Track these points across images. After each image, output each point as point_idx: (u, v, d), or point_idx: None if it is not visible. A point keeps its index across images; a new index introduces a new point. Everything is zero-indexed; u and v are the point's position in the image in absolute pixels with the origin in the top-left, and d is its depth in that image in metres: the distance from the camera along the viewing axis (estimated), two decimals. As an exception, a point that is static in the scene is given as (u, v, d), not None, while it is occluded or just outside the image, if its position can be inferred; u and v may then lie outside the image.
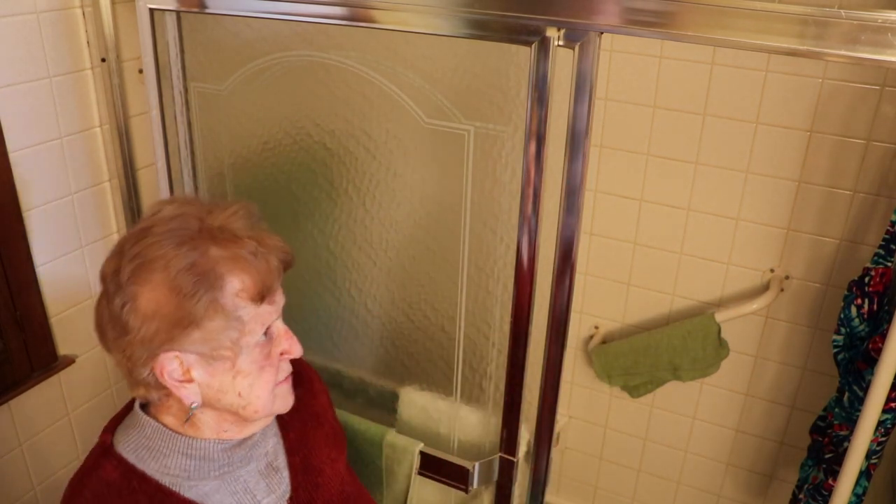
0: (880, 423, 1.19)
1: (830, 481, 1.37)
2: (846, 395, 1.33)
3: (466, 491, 1.28)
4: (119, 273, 0.79)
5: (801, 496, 1.53)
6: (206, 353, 0.81)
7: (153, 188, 1.53)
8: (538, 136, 0.99)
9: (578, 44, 0.94)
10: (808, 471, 1.55)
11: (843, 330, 1.37)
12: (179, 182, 1.40)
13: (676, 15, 0.86)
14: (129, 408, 0.93)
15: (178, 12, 1.27)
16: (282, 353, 0.89)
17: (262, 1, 1.14)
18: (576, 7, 0.92)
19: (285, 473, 0.98)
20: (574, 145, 0.99)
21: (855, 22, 0.78)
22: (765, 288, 1.70)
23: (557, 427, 1.23)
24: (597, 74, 0.95)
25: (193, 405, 0.84)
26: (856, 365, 1.31)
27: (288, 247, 0.89)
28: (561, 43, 0.94)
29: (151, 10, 1.25)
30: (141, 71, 1.43)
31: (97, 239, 1.55)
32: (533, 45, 0.95)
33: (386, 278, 1.33)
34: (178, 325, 0.78)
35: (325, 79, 1.23)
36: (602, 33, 0.92)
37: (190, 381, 0.83)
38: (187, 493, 0.88)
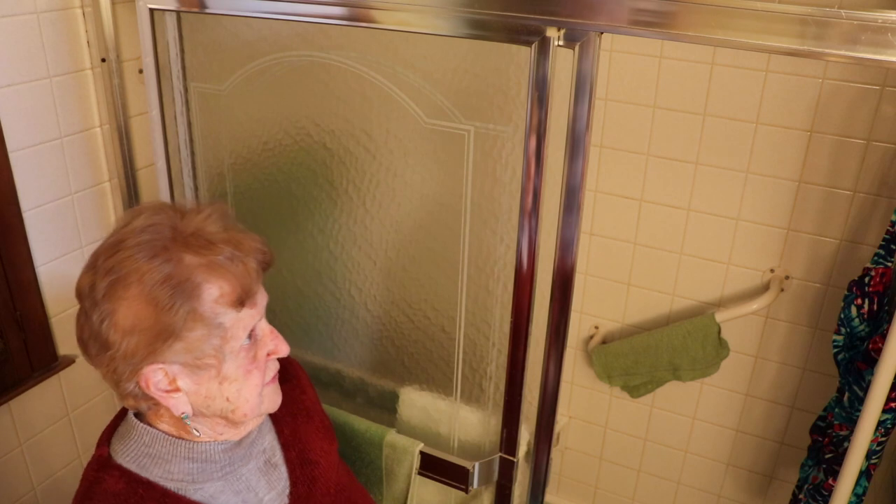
0: (880, 423, 1.19)
1: (830, 481, 1.37)
2: (846, 395, 1.33)
3: (466, 491, 1.28)
4: (94, 289, 0.78)
5: (801, 496, 1.53)
6: (190, 362, 0.80)
7: (153, 188, 1.53)
8: (538, 136, 0.99)
9: (578, 44, 0.94)
10: (808, 471, 1.55)
11: (843, 330, 1.37)
12: (179, 182, 1.40)
13: (676, 15, 0.86)
14: (120, 418, 0.92)
15: (178, 12, 1.27)
16: (268, 354, 0.88)
17: (262, 1, 1.14)
18: (576, 7, 0.92)
19: (283, 469, 0.98)
20: (574, 145, 0.99)
21: (855, 22, 0.78)
22: (765, 288, 1.70)
23: (557, 427, 1.23)
24: (597, 74, 0.95)
25: (184, 415, 0.83)
26: (856, 365, 1.31)
27: (266, 247, 0.87)
28: (561, 43, 0.94)
29: (151, 10, 1.25)
30: (141, 71, 1.44)
31: (97, 239, 1.55)
32: (533, 45, 0.95)
33: (386, 278, 1.33)
34: (159, 338, 0.77)
35: (325, 79, 1.23)
36: (602, 33, 0.92)
37: (177, 390, 0.82)
38: (194, 496, 0.88)
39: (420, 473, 1.30)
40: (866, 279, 1.32)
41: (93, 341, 0.79)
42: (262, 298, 0.87)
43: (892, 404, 1.17)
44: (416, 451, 1.28)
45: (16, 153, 1.34)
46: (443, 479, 1.29)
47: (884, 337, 1.11)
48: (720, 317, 1.72)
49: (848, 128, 1.52)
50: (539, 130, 0.99)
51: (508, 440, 1.23)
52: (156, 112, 1.34)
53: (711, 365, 1.78)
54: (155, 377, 0.80)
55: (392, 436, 1.30)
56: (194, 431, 0.86)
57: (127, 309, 0.77)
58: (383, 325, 1.37)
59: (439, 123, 1.15)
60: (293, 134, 1.30)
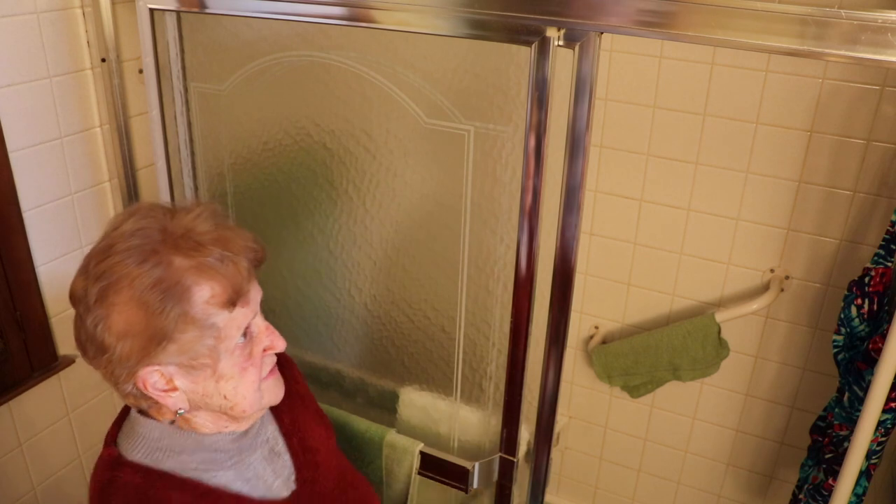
0: (880, 423, 1.19)
1: (830, 481, 1.37)
2: (846, 395, 1.33)
3: (466, 491, 1.28)
4: (87, 294, 0.79)
5: (801, 496, 1.53)
6: (186, 363, 0.81)
7: (153, 188, 1.53)
8: (538, 136, 0.99)
9: (578, 44, 0.94)
10: (808, 471, 1.55)
11: (843, 330, 1.37)
12: (179, 182, 1.40)
13: (676, 15, 0.86)
14: (123, 417, 0.92)
15: (178, 12, 1.27)
16: (265, 350, 0.88)
17: (262, 1, 1.14)
18: (576, 7, 0.92)
19: (286, 457, 0.99)
20: (574, 145, 0.99)
21: (855, 22, 0.78)
22: (765, 288, 1.70)
23: (557, 427, 1.22)
24: (597, 74, 0.95)
25: (180, 411, 0.84)
26: (856, 365, 1.31)
27: (257, 244, 0.87)
28: (561, 43, 0.94)
29: (151, 10, 1.25)
30: (141, 71, 1.43)
31: (97, 239, 1.55)
32: (533, 45, 0.95)
33: (386, 278, 1.33)
34: (152, 342, 0.78)
35: (325, 79, 1.23)
36: (602, 33, 0.92)
37: (174, 389, 0.83)
38: (210, 483, 0.89)
39: (420, 473, 1.30)
40: (866, 279, 1.32)
41: (89, 344, 0.80)
42: (255, 295, 0.87)
43: (892, 404, 1.17)
44: (416, 451, 1.28)
45: (16, 153, 1.34)
46: (443, 479, 1.29)
47: (884, 337, 1.11)
48: (720, 317, 1.72)
49: (848, 128, 1.52)
50: (539, 130, 0.99)
51: (508, 440, 1.23)
52: (156, 112, 1.34)
53: (711, 365, 1.78)
54: (151, 378, 0.81)
55: (392, 436, 1.30)
56: (196, 418, 0.87)
57: (118, 314, 0.77)
58: (383, 325, 1.37)
59: (439, 123, 1.15)
60: (293, 134, 1.30)
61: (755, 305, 1.68)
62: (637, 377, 1.88)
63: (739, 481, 1.94)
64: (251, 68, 1.27)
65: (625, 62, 1.67)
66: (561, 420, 2.09)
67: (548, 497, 1.28)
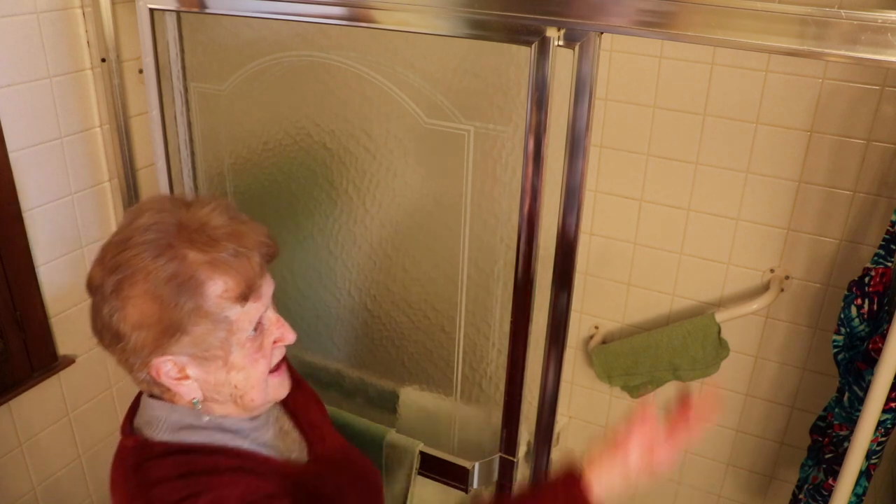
0: (880, 423, 1.19)
1: (830, 481, 1.37)
2: (846, 395, 1.33)
3: (466, 491, 1.28)
4: (103, 285, 0.81)
5: (801, 496, 1.53)
6: (198, 354, 0.83)
7: (153, 188, 1.53)
8: (538, 136, 0.99)
9: (578, 44, 0.94)
10: (808, 471, 1.55)
11: (843, 330, 1.37)
12: (179, 182, 1.40)
13: (676, 15, 0.86)
14: (135, 410, 0.93)
15: (178, 12, 1.27)
16: (275, 342, 0.90)
17: (262, 1, 1.14)
18: (576, 7, 0.92)
19: (296, 434, 1.02)
20: (574, 145, 0.99)
21: (855, 22, 0.78)
22: (765, 288, 1.70)
23: (557, 427, 1.22)
24: (597, 74, 0.95)
25: (195, 400, 0.86)
26: (856, 365, 1.31)
27: (270, 239, 0.88)
28: (561, 43, 0.94)
29: (151, 10, 1.25)
30: (141, 71, 1.43)
31: (97, 239, 1.55)
32: (533, 45, 0.95)
33: (386, 278, 1.33)
34: (166, 334, 0.80)
35: (325, 79, 1.23)
36: (602, 33, 0.92)
37: (186, 378, 0.85)
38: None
39: (420, 473, 1.30)
40: (866, 279, 1.32)
41: (105, 332, 0.83)
42: (267, 289, 0.88)
43: (892, 404, 1.17)
44: (416, 451, 1.28)
45: (16, 153, 1.34)
46: (443, 479, 1.29)
47: (884, 337, 1.11)
48: (720, 317, 1.72)
49: (848, 128, 1.52)
50: (539, 130, 0.99)
51: (508, 440, 1.22)
52: (156, 112, 1.34)
53: (711, 365, 1.78)
54: (165, 367, 0.83)
55: (392, 436, 1.30)
56: (209, 404, 0.89)
57: (133, 307, 0.79)
58: (383, 325, 1.37)
59: (439, 123, 1.15)
60: (293, 134, 1.30)
61: (755, 305, 1.68)
62: (637, 377, 1.88)
63: (739, 481, 1.94)
64: (251, 68, 1.27)
65: (625, 62, 1.67)
66: (561, 420, 2.09)
67: (548, 497, 1.27)
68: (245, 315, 0.84)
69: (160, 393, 0.88)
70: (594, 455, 0.86)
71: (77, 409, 1.60)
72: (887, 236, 1.31)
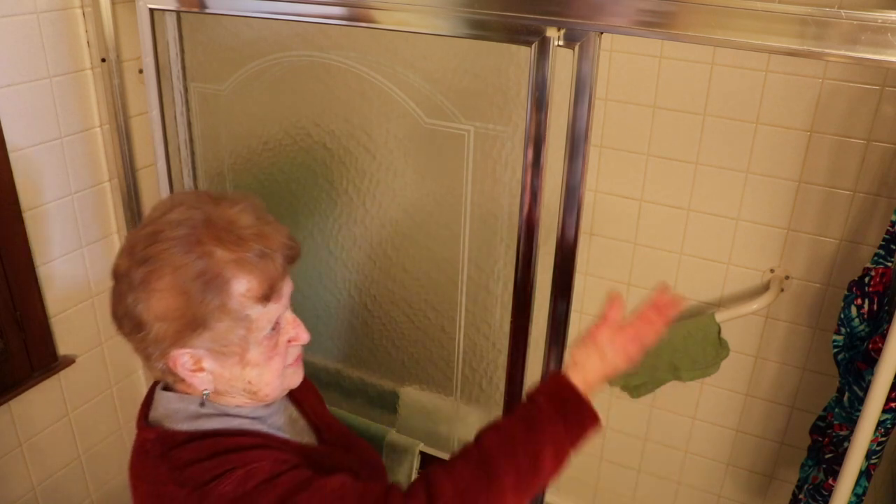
0: (880, 423, 1.19)
1: (830, 481, 1.37)
2: (846, 395, 1.33)
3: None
4: (130, 274, 0.83)
5: (801, 496, 1.53)
6: (216, 349, 0.85)
7: (153, 188, 1.53)
8: (538, 136, 0.99)
9: (578, 44, 0.94)
10: (808, 471, 1.55)
11: (843, 330, 1.37)
12: (179, 182, 1.40)
13: (676, 15, 0.86)
14: (148, 406, 0.94)
15: (178, 12, 1.27)
16: (289, 341, 0.92)
17: (262, 1, 1.14)
18: (576, 7, 0.92)
19: (302, 421, 1.05)
20: (574, 145, 0.99)
21: (855, 22, 0.78)
22: (765, 288, 1.70)
23: (557, 427, 1.22)
24: (597, 74, 0.95)
25: (206, 391, 0.88)
26: (856, 365, 1.31)
27: (293, 241, 0.91)
28: (561, 43, 0.94)
29: (151, 10, 1.25)
30: (141, 71, 1.43)
31: (97, 239, 1.55)
32: (533, 45, 0.95)
33: (386, 278, 1.33)
34: (188, 328, 0.82)
35: (325, 79, 1.23)
36: (602, 33, 0.92)
37: (201, 370, 0.87)
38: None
39: (420, 473, 1.30)
40: (866, 279, 1.32)
41: (127, 320, 0.84)
42: (287, 290, 0.91)
43: (892, 404, 1.17)
44: (416, 451, 1.28)
45: (16, 153, 1.34)
46: (443, 479, 1.29)
47: (884, 337, 1.11)
48: (720, 317, 1.72)
49: (848, 128, 1.52)
50: (539, 130, 0.99)
51: (508, 440, 1.22)
52: (156, 112, 1.34)
53: (711, 365, 1.78)
54: (182, 359, 0.85)
55: (392, 436, 1.30)
56: (222, 395, 0.90)
57: (159, 299, 0.81)
58: (383, 325, 1.37)
59: (439, 123, 1.15)
60: (293, 134, 1.30)
61: (755, 305, 1.68)
62: (637, 377, 1.88)
63: (739, 481, 1.94)
64: (251, 68, 1.27)
65: (625, 62, 1.67)
66: (561, 420, 2.09)
67: (548, 497, 1.28)
68: (265, 315, 0.86)
69: (173, 382, 0.90)
70: (572, 356, 0.92)
71: (77, 409, 1.60)
72: (887, 236, 1.31)
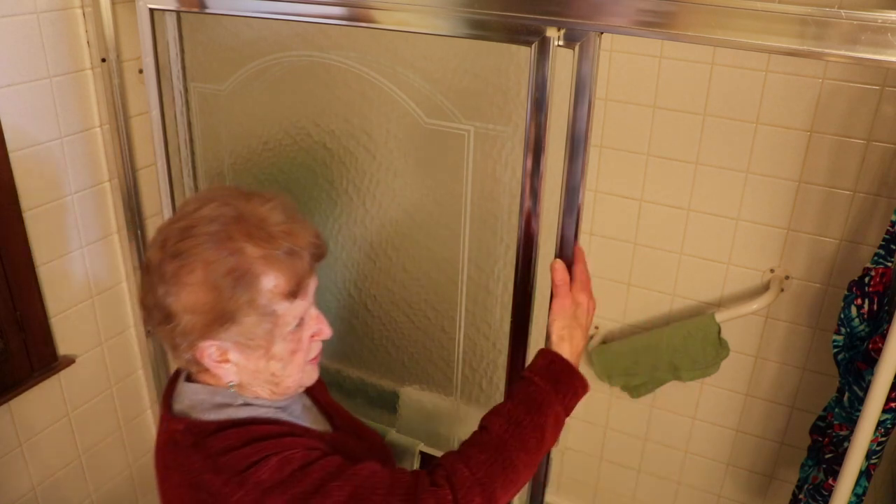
0: (880, 423, 1.19)
1: (830, 481, 1.37)
2: (846, 395, 1.33)
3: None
4: (162, 267, 0.85)
5: (801, 496, 1.53)
6: (242, 342, 0.87)
7: (153, 188, 1.53)
8: (538, 136, 0.99)
9: (578, 44, 0.94)
10: (808, 471, 1.55)
11: (843, 330, 1.37)
12: (179, 182, 1.40)
13: (676, 15, 0.86)
14: (173, 386, 0.96)
15: (178, 12, 1.27)
16: (312, 336, 0.94)
17: (262, 1, 1.14)
18: (576, 7, 0.92)
19: (315, 410, 1.08)
20: (574, 145, 0.99)
21: (855, 22, 0.78)
22: (765, 288, 1.70)
23: (557, 427, 1.22)
24: (597, 74, 0.95)
25: (231, 383, 0.91)
26: (856, 365, 1.31)
27: (320, 239, 0.93)
28: (561, 43, 0.94)
29: (151, 10, 1.25)
30: (141, 71, 1.44)
31: (97, 239, 1.55)
32: (533, 45, 0.95)
33: (386, 278, 1.33)
34: (217, 321, 0.84)
35: (325, 79, 1.23)
36: (602, 33, 0.92)
37: (227, 361, 0.89)
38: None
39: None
40: (866, 279, 1.32)
41: (156, 311, 0.86)
42: (312, 287, 0.93)
43: (892, 404, 1.17)
44: (416, 451, 1.28)
45: (16, 153, 1.34)
46: (443, 479, 1.29)
47: (884, 337, 1.11)
48: (720, 317, 1.72)
49: (848, 128, 1.52)
50: (539, 130, 0.99)
51: (508, 440, 1.22)
52: (156, 112, 1.34)
53: (711, 365, 1.78)
54: (209, 351, 0.87)
55: (392, 436, 1.30)
56: (243, 388, 0.93)
57: (190, 293, 0.83)
58: (383, 325, 1.37)
59: (439, 123, 1.15)
60: (293, 134, 1.30)
61: (755, 305, 1.68)
62: (637, 377, 1.88)
63: (739, 481, 1.94)
64: (251, 68, 1.27)
65: (625, 62, 1.67)
66: (561, 420, 2.09)
67: (548, 497, 1.27)
68: (291, 311, 0.88)
69: (197, 372, 0.93)
70: (555, 331, 0.99)
71: (77, 409, 1.60)
72: (887, 236, 1.31)
